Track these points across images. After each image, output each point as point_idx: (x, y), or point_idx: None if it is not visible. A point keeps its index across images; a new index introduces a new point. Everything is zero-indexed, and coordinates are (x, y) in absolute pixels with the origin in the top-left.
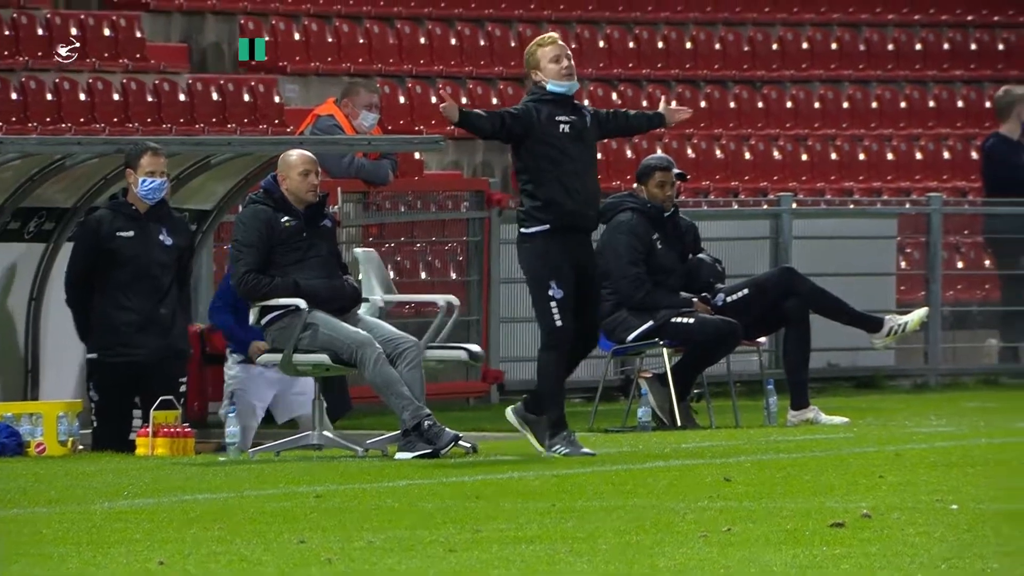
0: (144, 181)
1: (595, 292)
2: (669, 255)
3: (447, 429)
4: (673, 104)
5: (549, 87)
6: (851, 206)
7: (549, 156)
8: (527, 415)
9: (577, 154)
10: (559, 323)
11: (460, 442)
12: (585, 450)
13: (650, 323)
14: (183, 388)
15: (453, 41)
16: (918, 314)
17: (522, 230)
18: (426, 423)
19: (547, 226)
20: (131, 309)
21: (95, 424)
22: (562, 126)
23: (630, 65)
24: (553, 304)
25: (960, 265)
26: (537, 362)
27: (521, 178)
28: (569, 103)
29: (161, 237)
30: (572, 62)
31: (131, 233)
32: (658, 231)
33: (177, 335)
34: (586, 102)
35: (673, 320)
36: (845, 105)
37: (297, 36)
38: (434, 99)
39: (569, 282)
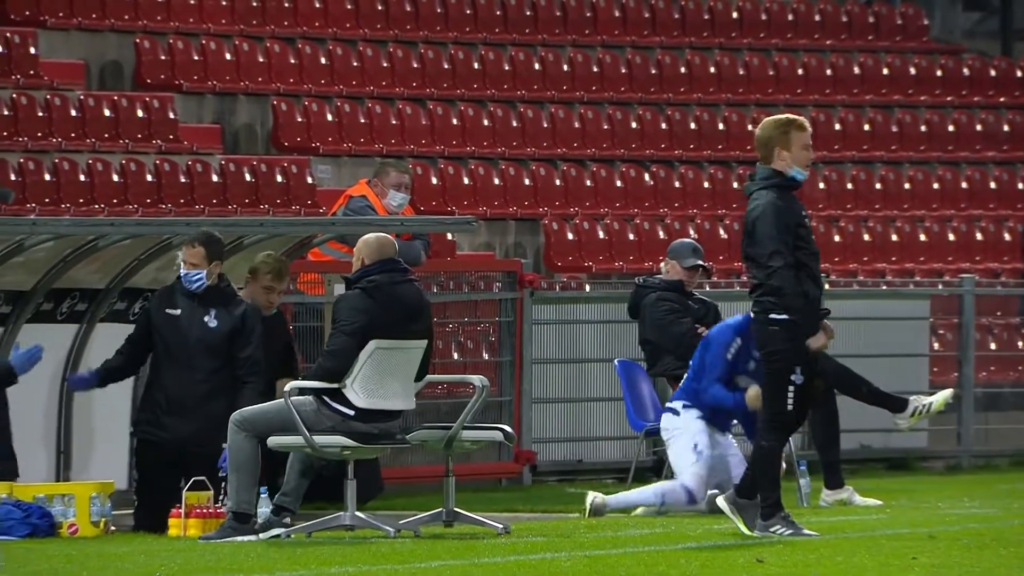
0: (185, 274)
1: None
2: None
3: None
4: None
5: (793, 173)
6: (884, 287)
7: (804, 250)
8: (738, 500)
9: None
10: (790, 407)
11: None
12: (807, 532)
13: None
14: (222, 472)
15: (485, 122)
16: (943, 395)
17: (772, 315)
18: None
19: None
20: (162, 387)
21: (136, 503)
22: (807, 220)
23: (662, 146)
24: (791, 388)
25: (993, 346)
26: (758, 447)
27: (754, 271)
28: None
29: (206, 319)
30: None
31: (178, 311)
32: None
33: (210, 419)
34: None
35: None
36: (877, 186)
37: (330, 117)
38: (466, 179)
39: (808, 374)
